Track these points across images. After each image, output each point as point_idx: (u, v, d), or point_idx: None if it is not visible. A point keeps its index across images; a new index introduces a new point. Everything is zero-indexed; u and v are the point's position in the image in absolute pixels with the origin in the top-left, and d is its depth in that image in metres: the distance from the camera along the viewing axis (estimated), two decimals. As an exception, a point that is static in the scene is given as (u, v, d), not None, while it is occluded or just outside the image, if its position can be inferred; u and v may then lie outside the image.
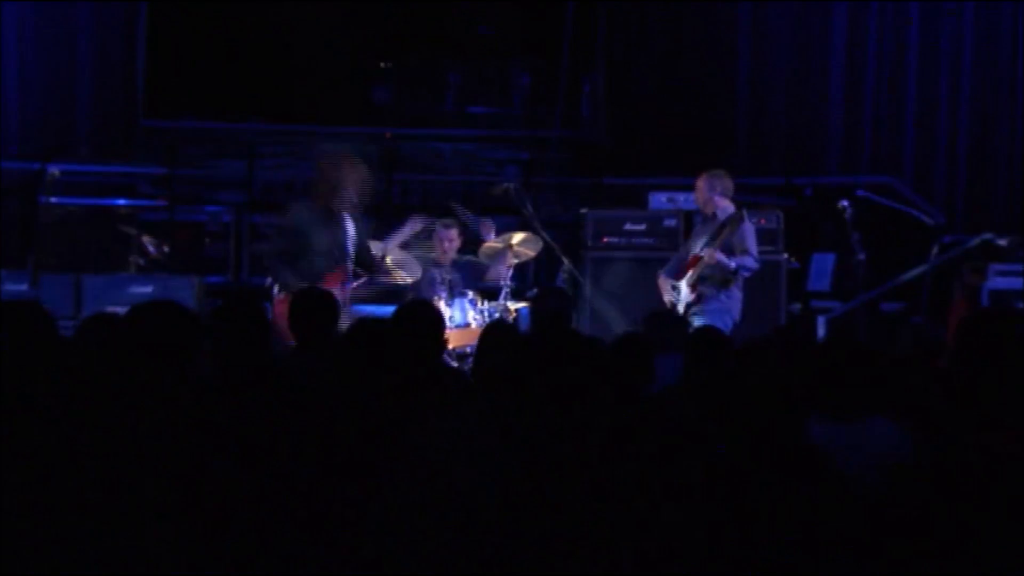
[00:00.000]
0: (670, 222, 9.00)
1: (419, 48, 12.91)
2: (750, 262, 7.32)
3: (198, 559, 2.70)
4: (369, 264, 7.35)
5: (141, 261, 9.86)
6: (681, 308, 7.64)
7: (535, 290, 8.52)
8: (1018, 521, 2.38)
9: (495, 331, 5.37)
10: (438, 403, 3.51)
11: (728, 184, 7.60)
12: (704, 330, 5.35)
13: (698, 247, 7.60)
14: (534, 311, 6.99)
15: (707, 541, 2.62)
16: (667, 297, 7.77)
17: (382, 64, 13.13)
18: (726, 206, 7.57)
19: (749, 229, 7.49)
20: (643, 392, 4.07)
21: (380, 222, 9.68)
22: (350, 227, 7.13)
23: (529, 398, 3.34)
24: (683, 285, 7.58)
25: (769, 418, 3.12)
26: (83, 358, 3.51)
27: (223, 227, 10.58)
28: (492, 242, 8.10)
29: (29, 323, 3.40)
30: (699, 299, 7.47)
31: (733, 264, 7.47)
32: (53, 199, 10.04)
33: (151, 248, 9.93)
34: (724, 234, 7.39)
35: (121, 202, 10.80)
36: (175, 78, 11.96)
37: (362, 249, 7.24)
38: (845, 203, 8.18)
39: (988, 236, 9.51)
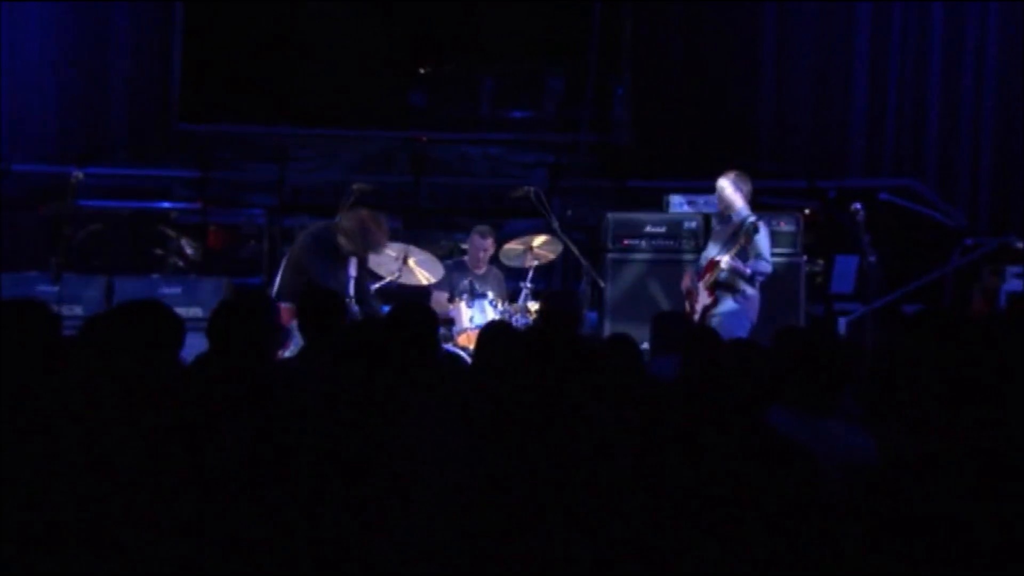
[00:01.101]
0: (690, 224, 9.02)
1: (455, 54, 13.10)
2: (764, 266, 7.38)
3: (195, 551, 2.71)
4: (363, 299, 7.41)
5: (180, 262, 9.93)
6: (699, 309, 7.71)
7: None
8: (987, 519, 2.34)
9: (492, 329, 5.45)
10: (426, 399, 3.51)
11: (750, 188, 7.67)
12: (699, 330, 5.49)
13: (715, 251, 7.67)
14: (543, 312, 7.01)
15: (689, 528, 2.63)
16: (694, 301, 7.80)
17: (421, 70, 13.21)
18: (742, 209, 7.64)
19: (764, 234, 7.55)
20: (634, 388, 4.07)
21: (407, 224, 10.24)
22: (352, 269, 7.21)
23: (515, 390, 3.41)
24: (702, 288, 7.64)
25: (747, 408, 3.11)
26: (79, 356, 3.50)
27: (257, 229, 10.63)
28: (513, 244, 8.13)
29: (30, 321, 3.39)
30: (715, 302, 7.52)
31: (748, 270, 7.51)
32: (90, 202, 10.40)
33: (189, 250, 10.02)
34: (740, 242, 7.44)
35: (156, 205, 10.85)
36: (209, 82, 12.02)
37: (360, 288, 7.33)
38: (858, 206, 8.08)
39: (1008, 238, 9.48)
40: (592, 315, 9.05)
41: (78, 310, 8.92)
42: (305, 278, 7.09)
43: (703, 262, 7.87)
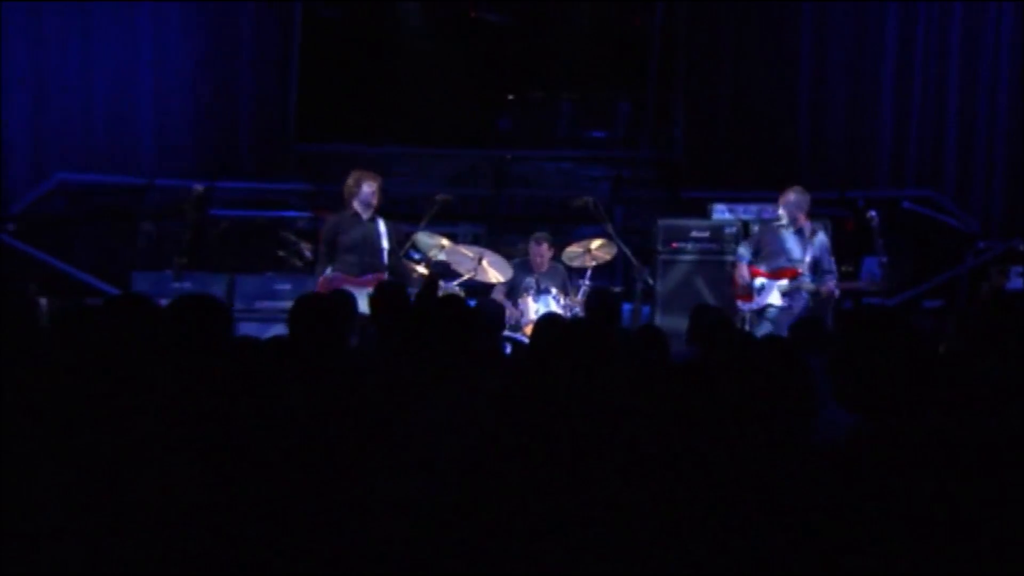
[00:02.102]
0: (730, 230, 9.53)
1: (539, 83, 13.56)
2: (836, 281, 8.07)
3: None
4: (399, 269, 7.96)
5: (299, 263, 10.18)
6: (762, 303, 8.12)
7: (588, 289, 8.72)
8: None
9: (546, 320, 5.51)
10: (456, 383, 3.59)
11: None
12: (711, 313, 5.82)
13: (796, 258, 8.03)
14: (585, 307, 7.37)
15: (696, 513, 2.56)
16: (752, 295, 8.09)
17: (509, 96, 13.59)
18: (805, 221, 8.09)
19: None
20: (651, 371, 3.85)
21: (489, 230, 10.88)
22: (383, 232, 7.90)
23: (557, 373, 3.42)
24: (775, 288, 8.07)
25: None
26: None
27: None
28: (574, 246, 8.66)
29: (129, 314, 3.35)
30: (785, 304, 7.98)
31: (838, 292, 8.08)
32: (221, 211, 11.01)
33: (307, 252, 10.20)
34: (824, 256, 7.96)
35: (276, 214, 11.26)
36: (322, 107, 12.49)
37: (393, 253, 7.91)
38: (873, 213, 8.84)
39: (1013, 242, 9.95)
40: (645, 308, 9.44)
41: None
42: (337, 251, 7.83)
43: (775, 260, 8.12)
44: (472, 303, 6.93)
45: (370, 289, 6.76)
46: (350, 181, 7.99)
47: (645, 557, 2.51)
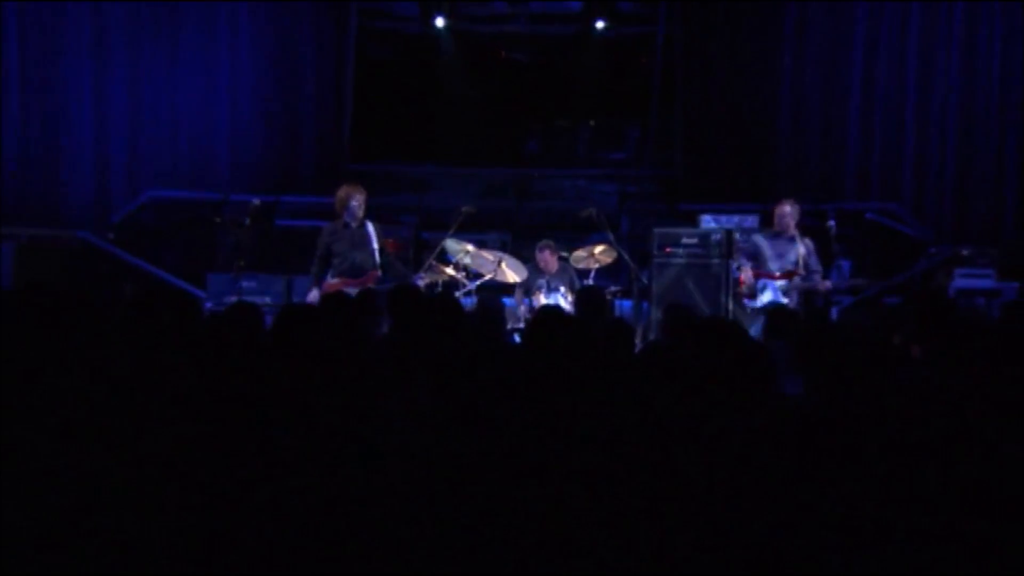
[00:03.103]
0: (716, 237, 9.42)
1: (560, 112, 13.97)
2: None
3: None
4: (388, 266, 7.76)
5: None
6: (761, 302, 8.28)
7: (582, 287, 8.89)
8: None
9: (542, 313, 5.25)
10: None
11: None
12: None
13: (792, 262, 8.21)
14: (576, 303, 7.44)
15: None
16: (758, 289, 8.21)
17: (535, 124, 14.12)
18: (795, 229, 8.28)
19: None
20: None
21: (514, 237, 11.10)
22: (372, 236, 7.73)
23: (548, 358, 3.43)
24: (775, 287, 8.25)
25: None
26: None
27: (403, 241, 10.93)
28: (580, 251, 9.12)
29: (176, 308, 3.46)
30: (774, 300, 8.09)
31: (830, 286, 8.40)
32: (285, 221, 11.28)
33: None
34: (813, 260, 8.12)
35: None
36: (372, 133, 12.96)
37: (384, 255, 7.74)
38: (832, 223, 8.78)
39: (959, 248, 10.36)
40: (644, 304, 9.57)
41: (267, 299, 9.49)
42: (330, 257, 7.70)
43: (770, 264, 8.30)
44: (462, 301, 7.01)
45: (369, 285, 6.96)
46: (341, 194, 7.84)
47: (622, 529, 2.42)
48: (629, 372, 3.34)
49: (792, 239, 8.20)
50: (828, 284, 8.28)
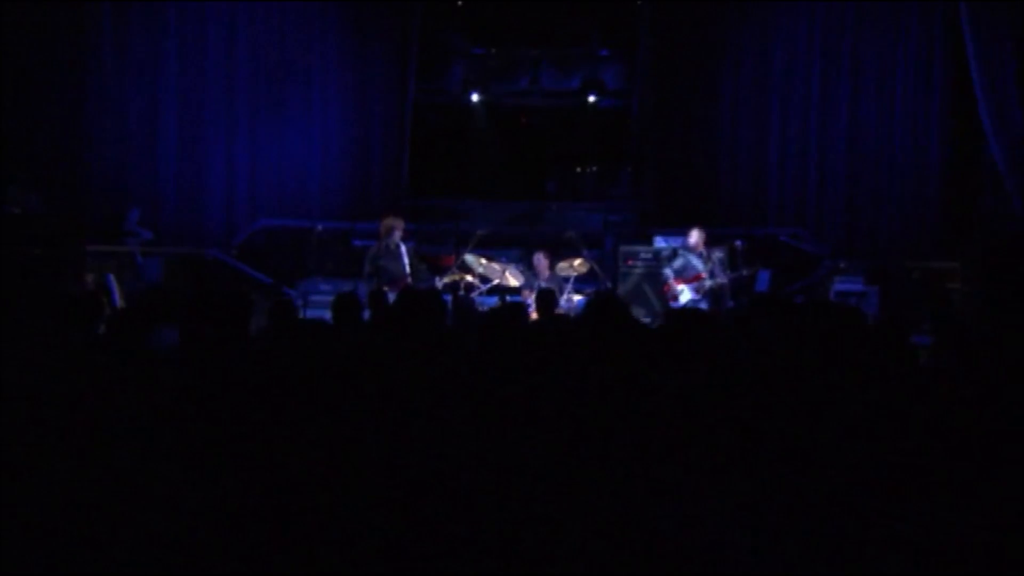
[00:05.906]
0: (666, 252, 11.01)
1: (570, 160, 15.74)
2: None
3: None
4: (417, 276, 8.66)
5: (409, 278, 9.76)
6: (683, 301, 9.68)
7: (595, 291, 10.18)
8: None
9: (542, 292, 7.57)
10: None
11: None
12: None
13: (700, 269, 9.63)
14: (589, 304, 5.97)
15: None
16: (678, 293, 9.45)
17: (551, 169, 15.96)
18: (704, 247, 9.88)
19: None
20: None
21: (526, 253, 12.11)
22: (404, 253, 8.79)
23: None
24: (690, 289, 9.61)
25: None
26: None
27: (447, 255, 11.97)
28: (562, 263, 10.26)
29: (235, 309, 3.59)
30: (693, 299, 9.42)
31: (726, 281, 9.67)
32: (360, 242, 12.13)
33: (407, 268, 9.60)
34: (716, 267, 9.62)
35: None
36: (425, 173, 14.21)
37: (413, 266, 8.68)
38: (739, 243, 10.21)
39: (836, 261, 12.15)
40: None
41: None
42: (379, 271, 8.63)
43: (689, 273, 9.72)
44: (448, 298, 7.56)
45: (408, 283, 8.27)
46: (388, 223, 8.94)
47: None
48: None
49: (701, 254, 9.86)
50: (724, 280, 9.65)
